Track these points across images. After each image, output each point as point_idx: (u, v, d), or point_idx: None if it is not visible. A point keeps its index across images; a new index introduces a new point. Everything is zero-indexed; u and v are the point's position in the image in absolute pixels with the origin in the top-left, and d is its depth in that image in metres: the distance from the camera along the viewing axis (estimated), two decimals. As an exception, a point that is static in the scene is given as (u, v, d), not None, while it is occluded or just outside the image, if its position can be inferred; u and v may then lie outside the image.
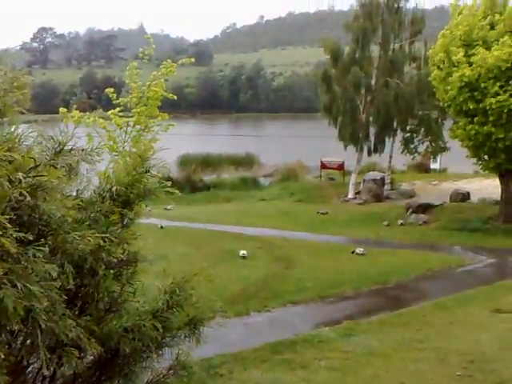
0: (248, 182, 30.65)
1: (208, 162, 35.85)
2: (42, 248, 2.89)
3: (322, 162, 28.77)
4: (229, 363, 6.80)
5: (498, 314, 9.49)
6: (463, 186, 25.13)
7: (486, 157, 18.27)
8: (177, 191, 5.25)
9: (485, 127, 16.82)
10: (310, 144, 45.99)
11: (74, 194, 3.71)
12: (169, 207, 22.27)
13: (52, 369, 3.21)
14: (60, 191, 3.24)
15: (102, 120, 11.43)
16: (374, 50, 25.72)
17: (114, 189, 3.67)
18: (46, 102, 77.74)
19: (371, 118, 25.75)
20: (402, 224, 19.71)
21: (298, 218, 21.18)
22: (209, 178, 31.72)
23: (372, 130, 26.21)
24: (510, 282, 12.31)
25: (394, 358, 7.25)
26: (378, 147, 26.32)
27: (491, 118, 16.62)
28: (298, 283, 11.71)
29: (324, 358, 7.10)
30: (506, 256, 15.16)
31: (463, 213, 19.86)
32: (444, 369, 6.80)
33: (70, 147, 3.21)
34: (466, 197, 22.59)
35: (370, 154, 26.60)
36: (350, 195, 25.36)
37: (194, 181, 30.06)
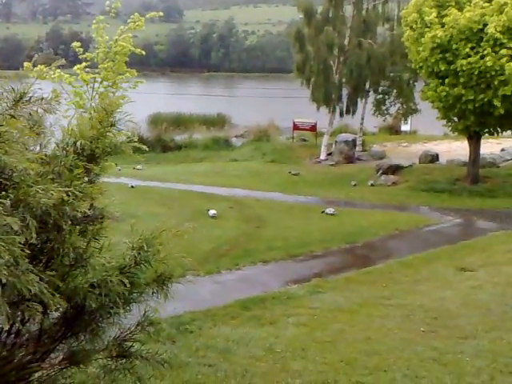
0: (220, 143, 30.44)
1: (179, 122, 35.41)
2: (2, 201, 2.80)
3: (294, 123, 28.66)
4: (199, 320, 6.84)
5: (463, 272, 9.73)
6: (433, 147, 25.46)
7: (455, 118, 18.46)
8: (144, 147, 5.14)
9: (455, 89, 16.92)
10: (283, 105, 45.74)
11: (38, 148, 3.60)
12: (138, 167, 21.99)
13: (16, 324, 3.17)
14: (22, 143, 3.14)
15: (67, 75, 11.10)
16: (348, 9, 25.42)
17: (78, 143, 3.56)
18: (11, 58, 75.18)
19: (344, 79, 25.64)
20: (372, 185, 19.94)
21: (270, 178, 21.21)
22: (180, 137, 31.35)
23: (344, 92, 26.15)
24: (474, 241, 12.63)
25: (360, 313, 7.40)
26: (351, 108, 26.36)
27: (462, 80, 16.71)
28: (268, 242, 11.79)
29: (292, 315, 7.20)
30: (471, 216, 15.52)
31: (431, 174, 20.18)
32: (409, 325, 6.97)
33: (29, 96, 3.09)
34: (434, 158, 22.92)
35: (342, 115, 26.64)
36: (322, 156, 25.45)
37: (164, 140, 29.71)
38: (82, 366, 3.54)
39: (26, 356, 3.37)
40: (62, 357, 3.54)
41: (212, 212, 14.01)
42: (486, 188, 18.44)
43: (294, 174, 21.87)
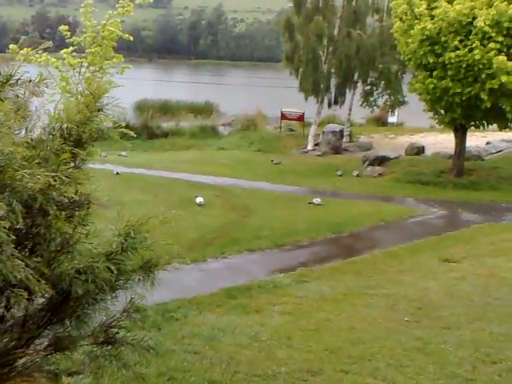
0: (207, 131, 30.26)
1: (166, 109, 35.02)
2: (-13, 185, 2.76)
3: (282, 112, 28.57)
4: (184, 307, 6.85)
5: (446, 263, 9.85)
6: (419, 139, 25.60)
7: (442, 111, 18.54)
8: (132, 132, 5.10)
9: (443, 81, 16.96)
10: (271, 94, 45.60)
11: (23, 132, 3.55)
12: (123, 153, 21.78)
13: (0, 310, 3.14)
14: (8, 127, 3.09)
15: (54, 59, 10.93)
16: (338, -1, 25.36)
17: (64, 127, 3.52)
18: (-5, 41, 73.88)
19: (333, 70, 25.61)
20: (357, 175, 20.02)
21: (257, 167, 21.20)
22: (167, 125, 31.08)
23: (333, 82, 26.13)
24: (458, 232, 12.76)
25: (345, 303, 7.46)
26: (339, 99, 26.33)
27: (450, 73, 16.75)
28: (255, 231, 11.79)
29: (278, 303, 7.24)
30: (456, 208, 15.67)
31: (417, 166, 20.29)
32: (393, 314, 7.05)
33: (16, 79, 3.03)
34: (420, 150, 23.05)
35: (330, 105, 26.62)
36: (309, 147, 25.45)
37: (151, 127, 29.40)
38: (67, 352, 3.51)
39: (11, 342, 3.33)
40: (47, 343, 3.51)
41: (199, 200, 13.96)
42: (470, 181, 18.60)
43: (275, 163, 21.88)
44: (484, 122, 18.72)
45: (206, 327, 6.12)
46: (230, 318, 6.51)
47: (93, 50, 11.15)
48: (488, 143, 23.98)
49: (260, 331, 6.08)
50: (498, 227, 13.43)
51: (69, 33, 11.47)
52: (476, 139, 23.55)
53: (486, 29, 16.03)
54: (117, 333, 3.63)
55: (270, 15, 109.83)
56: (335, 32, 24.89)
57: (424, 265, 9.83)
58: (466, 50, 16.31)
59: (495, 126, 19.49)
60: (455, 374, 5.31)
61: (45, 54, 10.40)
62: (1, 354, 3.23)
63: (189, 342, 5.66)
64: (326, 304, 7.36)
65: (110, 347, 3.58)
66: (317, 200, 14.98)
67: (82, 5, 11.51)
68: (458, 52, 16.37)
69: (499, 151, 23.12)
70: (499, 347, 6.01)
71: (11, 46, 10.02)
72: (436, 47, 16.89)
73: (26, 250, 3.33)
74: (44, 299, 3.40)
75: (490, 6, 16.18)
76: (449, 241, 11.84)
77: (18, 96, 3.12)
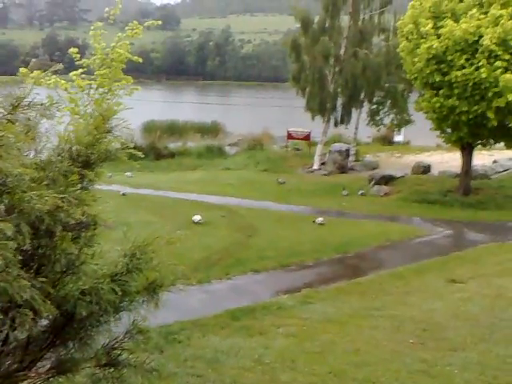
0: (214, 151, 30.42)
1: (173, 129, 35.32)
2: (-4, 206, 2.80)
3: (288, 132, 28.71)
4: (188, 330, 6.82)
5: (453, 283, 9.77)
6: (425, 158, 25.56)
7: (449, 130, 18.52)
8: (140, 153, 5.17)
9: (449, 100, 16.94)
10: (277, 114, 45.85)
11: (33, 153, 3.60)
12: (127, 174, 21.84)
13: (5, 332, 3.16)
14: (17, 149, 3.14)
15: (63, 81, 11.11)
16: (344, 19, 25.59)
17: (73, 148, 3.57)
18: (6, 64, 74.99)
19: (339, 89, 25.75)
20: (362, 194, 19.99)
21: (263, 187, 21.21)
22: (174, 145, 31.30)
23: (339, 101, 26.25)
24: (465, 253, 12.67)
25: (350, 325, 7.40)
26: (345, 118, 26.41)
27: (456, 91, 16.74)
28: (260, 252, 11.77)
29: (282, 325, 7.20)
30: (462, 228, 15.59)
31: (424, 185, 20.24)
32: (398, 336, 6.99)
33: (28, 102, 3.10)
34: (427, 169, 23.01)
35: (336, 125, 26.70)
36: (316, 166, 25.49)
37: (158, 148, 29.60)
38: (69, 375, 3.50)
39: (13, 364, 3.33)
40: (49, 366, 3.51)
41: (197, 218, 13.96)
42: (477, 200, 18.51)
43: (280, 183, 21.97)
44: (491, 140, 18.70)
45: (210, 350, 6.09)
46: (234, 341, 6.47)
47: (102, 72, 11.33)
48: (495, 162, 23.92)
49: (264, 354, 6.04)
50: (504, 247, 13.32)
51: (78, 55, 11.67)
52: (483, 158, 23.51)
53: (493, 47, 16.02)
54: (119, 355, 3.62)
55: (277, 36, 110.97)
56: (341, 52, 25.08)
57: (430, 285, 9.77)
58: (473, 68, 16.28)
59: (502, 144, 19.45)
60: (461, 397, 5.25)
61: (54, 76, 10.59)
62: (2, 377, 3.23)
63: (192, 365, 5.62)
64: (331, 326, 7.31)
65: (112, 369, 3.57)
66: (320, 220, 14.93)
67: (92, 28, 11.74)
68: (464, 70, 16.35)
69: (506, 170, 23.03)
70: (506, 369, 5.93)
71: (21, 70, 10.21)
72: (442, 66, 16.90)
73: (32, 270, 3.35)
74: (47, 321, 3.41)
75: (497, 25, 16.20)
76: (455, 261, 11.76)
77: (29, 119, 3.18)
